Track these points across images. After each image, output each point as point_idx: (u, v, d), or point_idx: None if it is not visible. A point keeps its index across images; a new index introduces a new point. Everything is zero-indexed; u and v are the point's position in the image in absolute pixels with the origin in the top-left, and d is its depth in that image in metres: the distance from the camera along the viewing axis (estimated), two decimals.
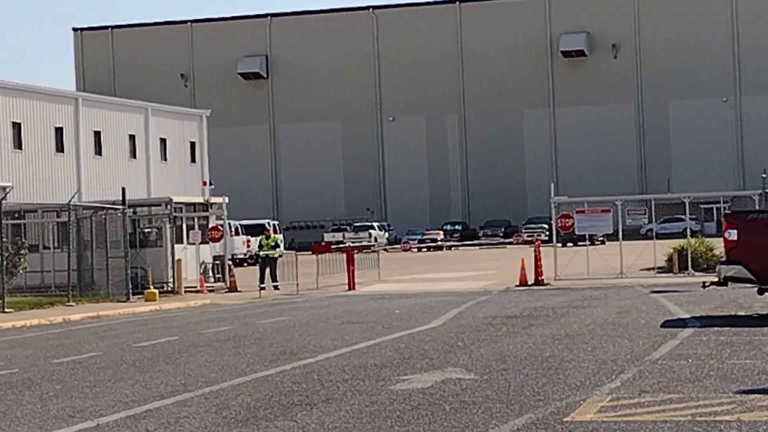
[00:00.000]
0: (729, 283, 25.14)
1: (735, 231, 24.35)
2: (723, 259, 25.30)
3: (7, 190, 58.42)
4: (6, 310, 35.60)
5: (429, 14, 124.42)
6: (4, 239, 41.57)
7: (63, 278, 43.28)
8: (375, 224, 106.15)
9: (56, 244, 48.44)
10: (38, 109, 72.65)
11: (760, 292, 24.71)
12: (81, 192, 63.59)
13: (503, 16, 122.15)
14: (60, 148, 74.65)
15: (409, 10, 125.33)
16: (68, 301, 39.28)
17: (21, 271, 44.35)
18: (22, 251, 45.25)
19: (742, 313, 25.18)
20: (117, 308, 37.32)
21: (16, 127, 70.20)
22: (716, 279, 25.75)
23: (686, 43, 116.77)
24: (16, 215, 49.63)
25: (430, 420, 12.79)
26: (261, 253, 47.50)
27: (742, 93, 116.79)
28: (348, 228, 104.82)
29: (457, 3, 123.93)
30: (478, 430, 12.02)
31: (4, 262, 39.90)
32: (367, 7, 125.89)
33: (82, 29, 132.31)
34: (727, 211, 31.34)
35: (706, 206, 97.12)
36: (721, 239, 25.71)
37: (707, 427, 11.60)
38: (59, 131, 74.64)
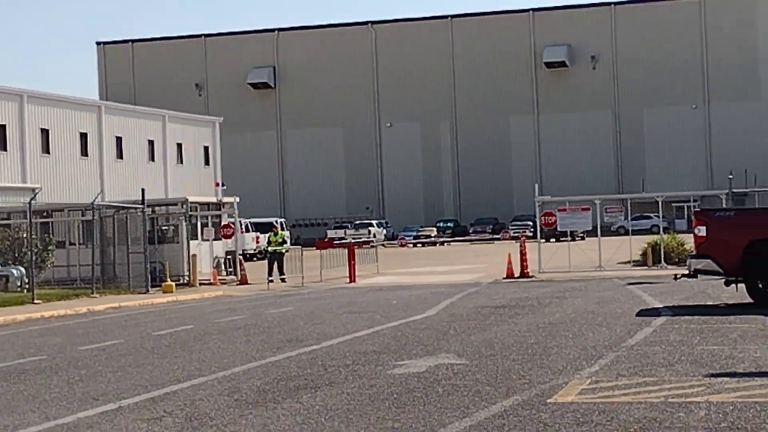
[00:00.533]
0: (698, 275, 25.17)
1: (704, 227, 24.37)
2: (693, 253, 25.31)
3: (36, 191, 58.54)
4: (35, 301, 35.63)
5: (423, 28, 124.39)
6: (33, 236, 41.68)
7: (87, 272, 43.27)
8: (374, 222, 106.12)
9: (81, 241, 48.40)
10: (64, 117, 72.69)
11: (727, 283, 24.72)
12: (104, 193, 63.52)
13: (491, 30, 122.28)
14: (84, 152, 74.72)
15: (405, 25, 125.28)
16: (92, 293, 39.33)
17: (49, 266, 44.51)
18: (50, 247, 45.42)
19: (711, 303, 25.19)
20: (137, 299, 37.33)
21: (45, 133, 70.26)
22: (687, 272, 25.76)
23: (659, 54, 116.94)
24: (45, 214, 49.75)
25: (425, 402, 12.80)
26: (269, 248, 47.53)
27: (710, 101, 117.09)
28: (349, 225, 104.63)
29: (449, 18, 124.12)
30: (469, 412, 12.01)
31: (34, 258, 40.06)
32: (367, 22, 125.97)
33: (105, 43, 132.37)
34: (696, 209, 31.37)
35: (677, 204, 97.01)
36: (692, 235, 25.71)
37: (678, 408, 11.61)
38: (84, 137, 74.70)
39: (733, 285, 24.63)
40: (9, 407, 13.84)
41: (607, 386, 13.37)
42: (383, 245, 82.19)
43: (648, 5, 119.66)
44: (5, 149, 66.70)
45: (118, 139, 78.88)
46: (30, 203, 43.15)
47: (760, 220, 25.00)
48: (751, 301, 23.80)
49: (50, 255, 44.86)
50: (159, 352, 19.86)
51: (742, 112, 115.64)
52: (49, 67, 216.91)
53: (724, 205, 45.40)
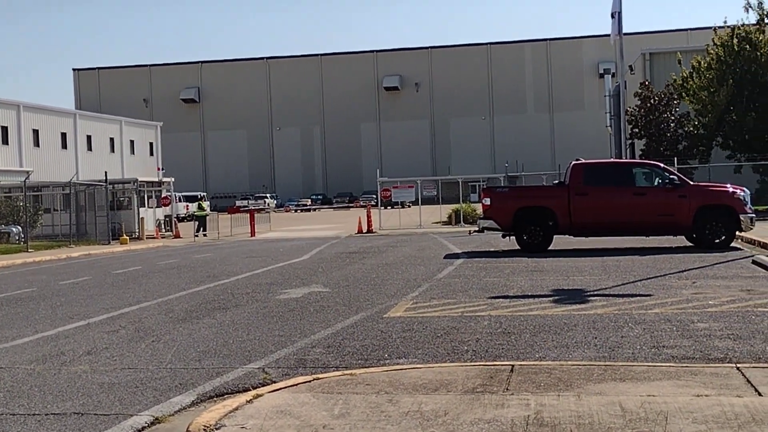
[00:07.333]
0: (485, 231, 25.58)
1: (489, 199, 24.79)
2: (482, 216, 25.74)
3: (30, 173, 56.70)
4: (29, 250, 34.74)
5: (302, 62, 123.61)
6: (27, 205, 40.62)
7: (66, 230, 42.58)
8: (268, 195, 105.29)
9: (62, 208, 47.14)
10: (50, 121, 70.48)
11: (504, 236, 25.20)
12: (78, 174, 61.66)
13: (349, 64, 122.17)
14: (64, 146, 72.50)
15: (289, 60, 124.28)
16: (70, 245, 38.51)
17: (39, 225, 43.42)
18: (40, 212, 44.50)
19: (493, 250, 25.69)
20: (102, 249, 36.60)
21: (35, 132, 68.10)
22: (477, 228, 26.19)
23: (461, 82, 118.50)
24: (36, 189, 48.30)
25: (301, 317, 12.79)
26: (195, 213, 46.94)
27: (494, 114, 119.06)
28: (250, 197, 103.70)
29: (320, 56, 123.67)
30: (330, 324, 12.03)
31: (28, 219, 39.05)
32: (263, 58, 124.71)
33: (79, 69, 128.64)
34: (484, 187, 31.89)
35: (472, 183, 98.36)
36: (481, 204, 26.15)
37: (470, 319, 11.80)
38: (63, 135, 72.46)
39: (507, 237, 25.17)
40: (8, 324, 13.44)
41: (424, 306, 13.52)
42: (274, 211, 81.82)
43: (454, 49, 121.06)
44: (7, 143, 64.35)
45: (89, 137, 76.65)
46: (25, 181, 42.02)
47: (525, 194, 25.50)
48: (518, 248, 24.33)
49: (39, 218, 43.96)
50: (116, 285, 19.47)
51: (514, 122, 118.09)
52: (39, 84, 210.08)
53: (502, 184, 46.27)
